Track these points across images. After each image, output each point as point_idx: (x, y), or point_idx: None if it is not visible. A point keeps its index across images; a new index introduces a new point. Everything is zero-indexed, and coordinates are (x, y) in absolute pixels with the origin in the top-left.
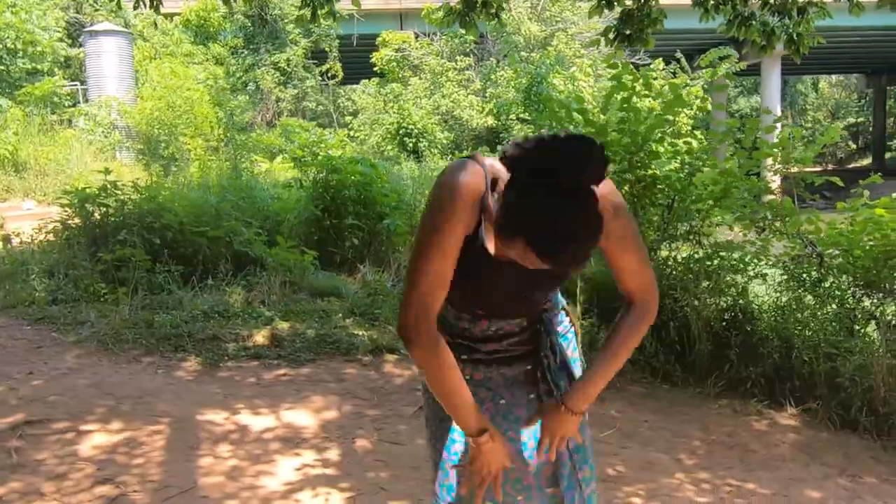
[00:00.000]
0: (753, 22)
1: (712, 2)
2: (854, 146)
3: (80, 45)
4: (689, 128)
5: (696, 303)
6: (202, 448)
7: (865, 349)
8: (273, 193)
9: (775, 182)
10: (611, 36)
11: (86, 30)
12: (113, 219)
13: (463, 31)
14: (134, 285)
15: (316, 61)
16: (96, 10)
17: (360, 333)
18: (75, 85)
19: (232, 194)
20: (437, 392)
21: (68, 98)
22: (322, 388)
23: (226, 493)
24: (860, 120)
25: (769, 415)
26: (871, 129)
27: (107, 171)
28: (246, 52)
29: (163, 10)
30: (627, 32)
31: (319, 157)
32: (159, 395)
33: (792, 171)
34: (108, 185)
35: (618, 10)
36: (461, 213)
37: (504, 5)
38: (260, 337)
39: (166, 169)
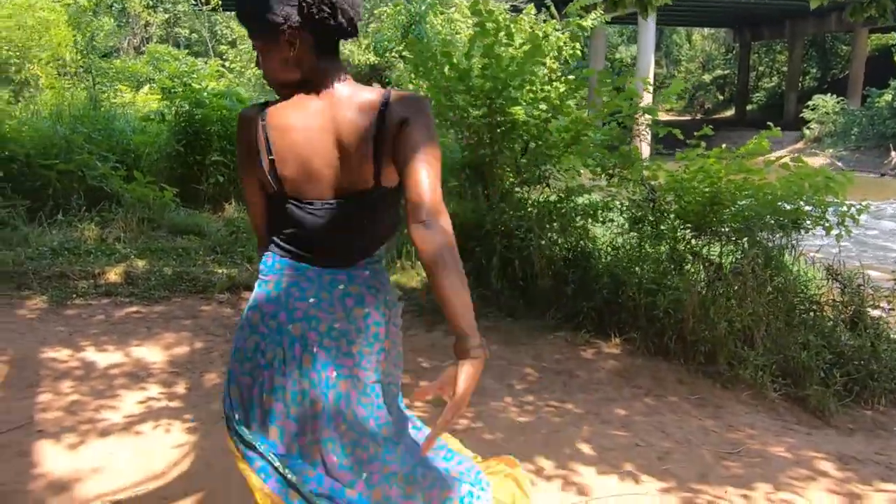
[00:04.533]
0: None
1: None
2: (721, 97)
3: None
4: (559, 74)
5: (542, 242)
6: (42, 385)
7: (680, 285)
8: (135, 126)
9: (646, 133)
10: None
11: None
12: None
13: None
14: None
15: None
16: None
17: (220, 272)
18: None
19: (84, 126)
20: (459, 277)
21: None
22: (175, 325)
23: (63, 427)
24: (727, 73)
25: (597, 344)
26: (736, 81)
27: None
28: None
29: None
30: None
31: (180, 91)
32: None
33: (641, 120)
34: None
35: None
36: None
37: None
38: (113, 274)
39: (17, 94)
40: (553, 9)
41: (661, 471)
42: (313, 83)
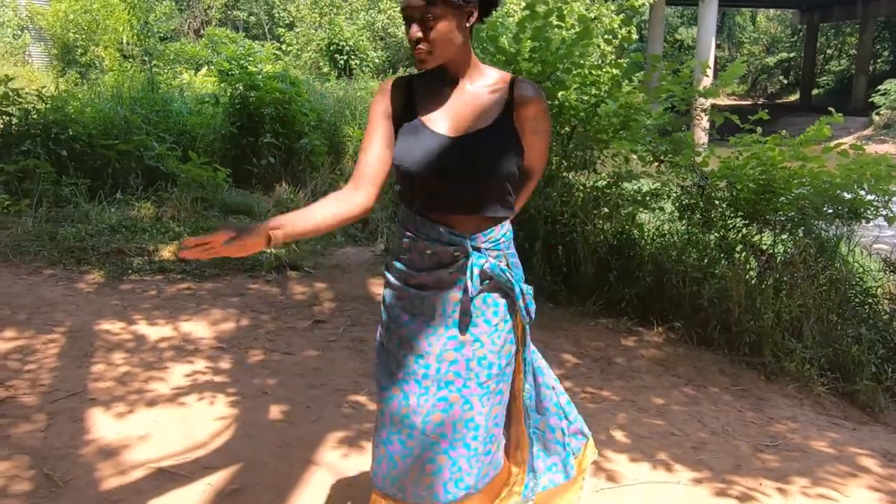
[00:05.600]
0: None
1: None
2: (785, 81)
3: None
4: (613, 57)
5: (588, 228)
6: (96, 356)
7: (726, 275)
8: (192, 108)
9: (701, 118)
10: None
11: None
12: (16, 128)
13: None
14: (38, 197)
15: None
16: None
17: (268, 251)
18: None
19: (143, 107)
20: None
21: None
22: (223, 302)
23: (114, 396)
24: (792, 56)
25: (638, 332)
26: (801, 65)
27: (7, 79)
28: None
29: None
30: None
31: (237, 74)
32: (57, 306)
33: (697, 105)
34: (11, 93)
35: None
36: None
37: None
38: (167, 252)
39: (84, 76)
40: None
41: (694, 460)
42: (471, 62)
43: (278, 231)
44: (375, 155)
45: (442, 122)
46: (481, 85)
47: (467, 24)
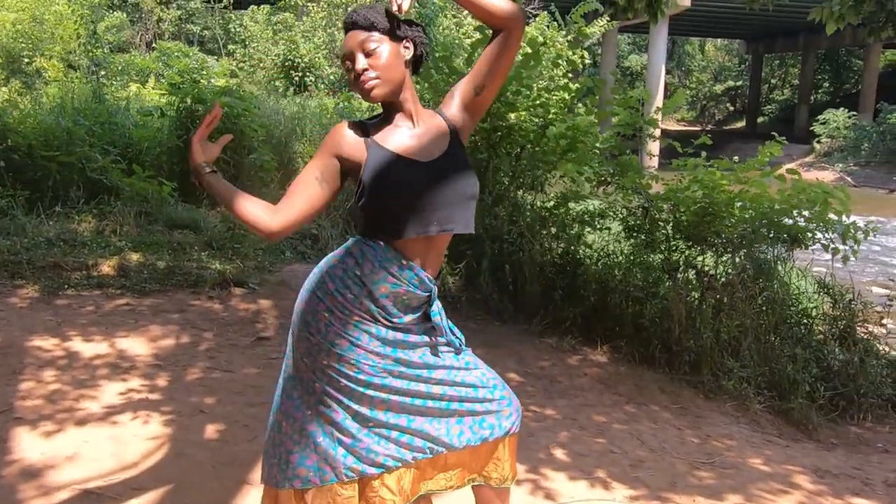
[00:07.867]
0: None
1: None
2: (731, 108)
3: None
4: (565, 81)
5: (535, 247)
6: (25, 373)
7: (668, 295)
8: (138, 120)
9: (647, 143)
10: None
11: None
12: None
13: None
14: None
15: None
16: None
17: (213, 267)
18: None
19: (87, 119)
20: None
21: None
22: (163, 318)
23: (41, 415)
24: (739, 84)
25: (583, 351)
26: (747, 93)
27: None
28: None
29: None
30: None
31: (184, 86)
32: None
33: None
34: None
35: None
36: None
37: None
38: (106, 267)
39: (29, 86)
40: (557, 15)
41: (631, 478)
42: (417, 104)
43: (210, 174)
44: (311, 193)
45: (411, 150)
46: (429, 121)
47: (406, 58)
